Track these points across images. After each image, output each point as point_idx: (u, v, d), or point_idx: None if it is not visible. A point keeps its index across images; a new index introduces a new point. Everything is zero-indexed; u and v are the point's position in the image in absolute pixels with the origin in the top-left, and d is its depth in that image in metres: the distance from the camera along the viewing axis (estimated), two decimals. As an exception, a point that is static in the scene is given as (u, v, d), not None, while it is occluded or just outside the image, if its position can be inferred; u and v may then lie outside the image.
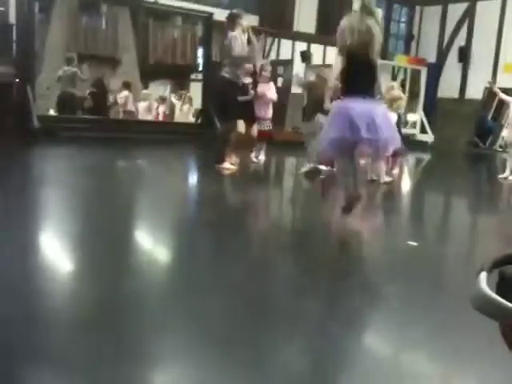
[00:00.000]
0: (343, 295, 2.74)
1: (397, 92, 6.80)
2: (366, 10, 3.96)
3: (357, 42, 3.91)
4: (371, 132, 3.87)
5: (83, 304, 2.37)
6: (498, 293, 0.86)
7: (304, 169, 6.97)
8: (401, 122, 8.04)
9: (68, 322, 2.16)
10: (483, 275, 0.91)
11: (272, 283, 2.83)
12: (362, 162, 7.57)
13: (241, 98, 7.02)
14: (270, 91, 7.96)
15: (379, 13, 4.09)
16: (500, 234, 4.49)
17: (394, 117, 6.69)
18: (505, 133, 10.85)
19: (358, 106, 3.89)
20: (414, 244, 3.80)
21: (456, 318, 2.36)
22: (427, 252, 3.77)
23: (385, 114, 4.08)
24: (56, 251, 3.23)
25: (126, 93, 11.83)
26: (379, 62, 4.25)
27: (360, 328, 2.39)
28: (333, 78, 4.42)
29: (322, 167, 7.12)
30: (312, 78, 7.80)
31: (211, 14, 11.13)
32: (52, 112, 11.07)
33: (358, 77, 3.95)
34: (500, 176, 8.27)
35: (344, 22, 3.98)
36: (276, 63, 14.21)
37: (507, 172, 8.08)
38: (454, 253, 3.87)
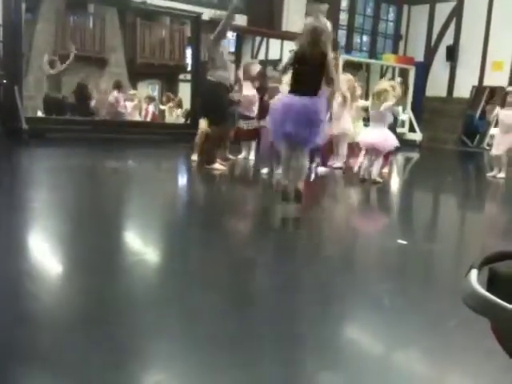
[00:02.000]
0: (333, 294, 2.74)
1: (384, 84, 6.66)
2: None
3: (307, 41, 4.20)
4: (297, 126, 4.11)
5: (73, 306, 2.35)
6: (488, 290, 0.86)
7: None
8: (396, 123, 7.98)
9: (58, 324, 2.14)
10: (474, 273, 0.91)
11: (262, 283, 2.83)
12: (353, 160, 7.64)
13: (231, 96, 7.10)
14: (250, 91, 7.96)
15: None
16: (490, 232, 4.52)
17: (390, 117, 6.57)
18: (493, 131, 10.92)
19: (293, 102, 4.13)
20: (404, 242, 3.81)
21: (447, 315, 2.37)
22: (417, 250, 3.79)
23: (320, 111, 4.22)
24: (46, 252, 3.20)
25: (115, 93, 11.76)
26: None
27: (351, 326, 2.39)
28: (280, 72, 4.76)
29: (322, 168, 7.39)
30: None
31: (200, 14, 11.10)
32: (40, 113, 10.99)
33: (302, 76, 4.18)
34: (489, 174, 8.32)
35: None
36: (265, 63, 14.22)
37: (496, 170, 8.13)
38: (444, 250, 3.88)
